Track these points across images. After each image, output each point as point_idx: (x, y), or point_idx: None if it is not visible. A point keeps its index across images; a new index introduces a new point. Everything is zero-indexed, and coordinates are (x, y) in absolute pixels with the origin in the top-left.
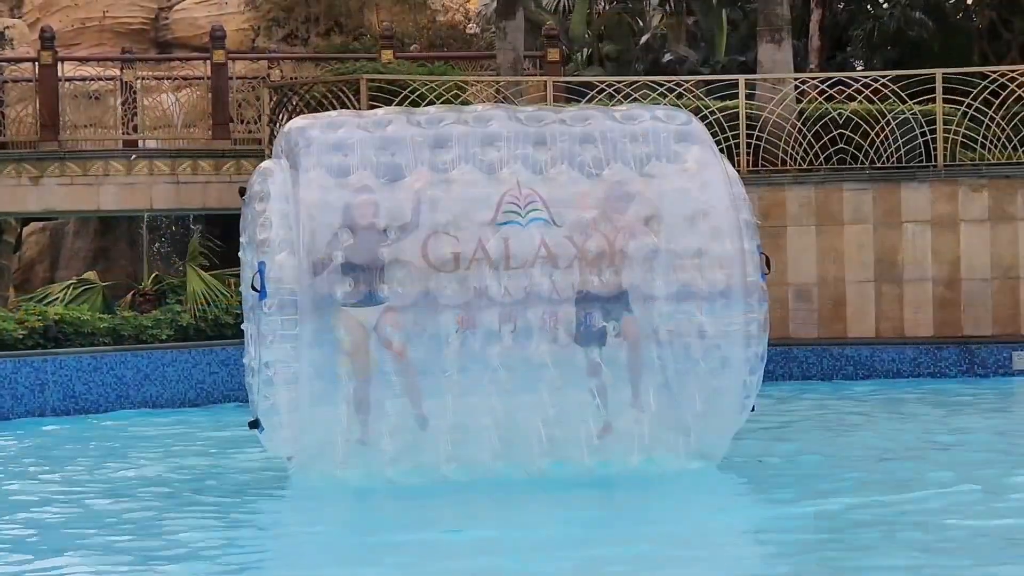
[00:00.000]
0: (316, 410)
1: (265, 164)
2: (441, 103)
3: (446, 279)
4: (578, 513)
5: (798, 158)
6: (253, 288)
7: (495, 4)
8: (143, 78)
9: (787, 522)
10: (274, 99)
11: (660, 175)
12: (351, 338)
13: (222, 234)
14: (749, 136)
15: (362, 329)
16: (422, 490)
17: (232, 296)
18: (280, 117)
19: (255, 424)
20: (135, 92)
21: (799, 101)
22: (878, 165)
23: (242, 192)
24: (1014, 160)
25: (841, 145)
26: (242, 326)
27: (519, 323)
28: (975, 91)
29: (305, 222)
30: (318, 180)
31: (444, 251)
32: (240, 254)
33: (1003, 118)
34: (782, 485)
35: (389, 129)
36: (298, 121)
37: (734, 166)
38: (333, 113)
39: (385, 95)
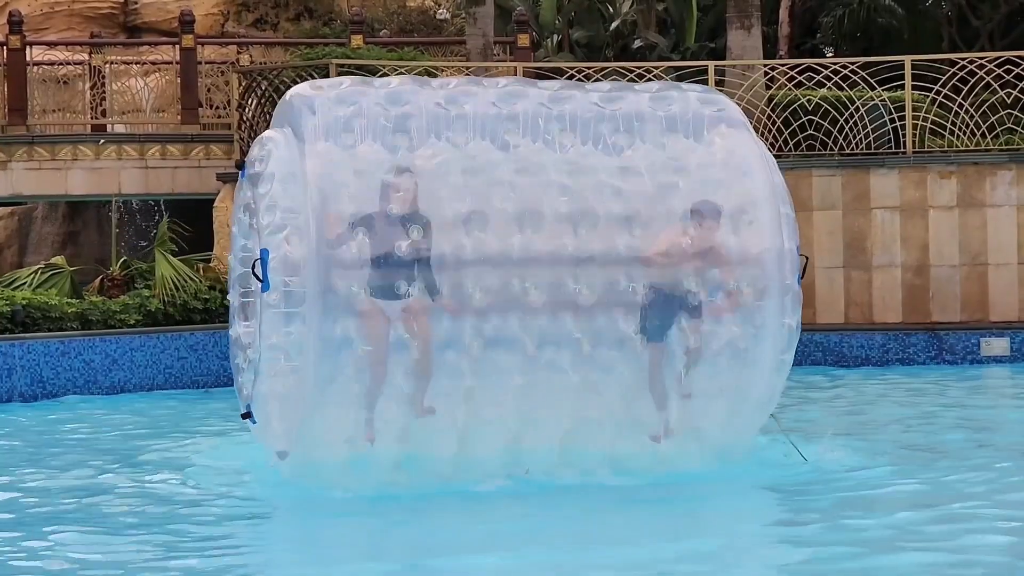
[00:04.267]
0: (320, 408)
1: (268, 133)
2: None
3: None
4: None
5: (767, 144)
6: (254, 275)
7: None
8: (112, 63)
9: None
10: (243, 84)
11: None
12: (369, 328)
13: (191, 219)
14: None
15: (384, 320)
16: (414, 506)
17: (201, 281)
18: (249, 102)
19: (248, 415)
20: (104, 77)
21: (768, 87)
22: (847, 151)
23: (240, 164)
24: (983, 147)
25: (810, 131)
26: (226, 300)
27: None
28: (944, 78)
29: (315, 204)
30: (329, 154)
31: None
32: (234, 228)
33: (972, 105)
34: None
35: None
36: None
37: None
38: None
39: None
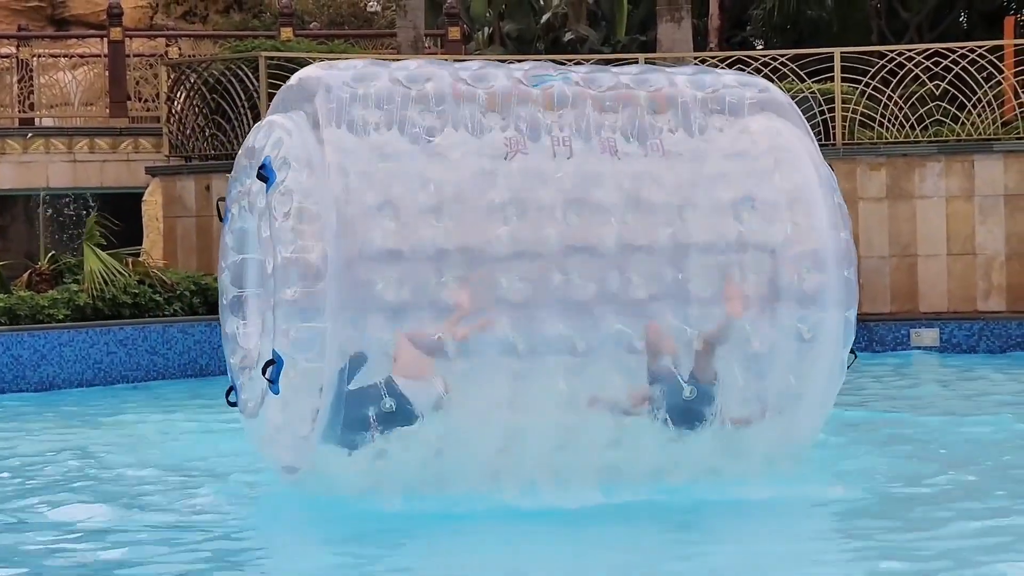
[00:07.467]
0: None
1: (274, 118)
2: None
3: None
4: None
5: None
6: (265, 377)
7: None
8: (40, 56)
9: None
10: (172, 77)
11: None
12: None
13: (120, 213)
14: None
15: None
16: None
17: (130, 275)
18: (178, 95)
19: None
20: (31, 70)
21: None
22: None
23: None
24: (912, 139)
25: None
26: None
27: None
28: (873, 70)
29: (339, 197)
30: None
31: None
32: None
33: (901, 97)
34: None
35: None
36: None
37: None
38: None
39: (284, 73)
